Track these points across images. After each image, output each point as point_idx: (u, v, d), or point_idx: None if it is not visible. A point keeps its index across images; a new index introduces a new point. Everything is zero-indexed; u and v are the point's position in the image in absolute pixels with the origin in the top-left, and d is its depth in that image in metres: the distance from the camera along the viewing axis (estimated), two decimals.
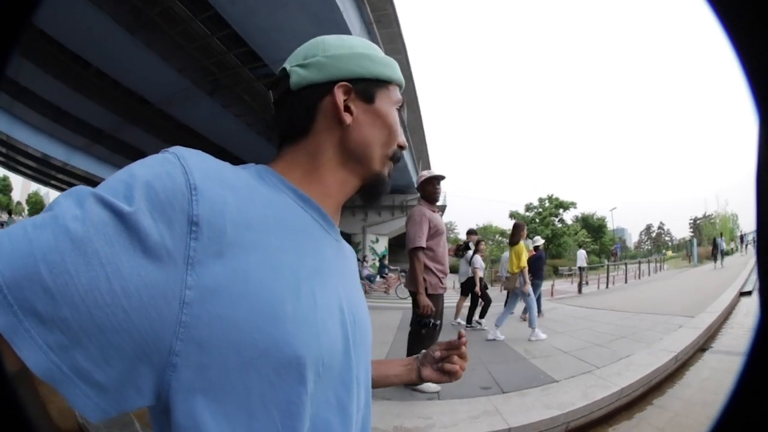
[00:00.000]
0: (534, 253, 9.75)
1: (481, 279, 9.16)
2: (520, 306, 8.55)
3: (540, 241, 9.53)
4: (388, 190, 0.79)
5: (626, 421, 4.25)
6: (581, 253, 13.62)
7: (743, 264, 18.05)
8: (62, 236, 0.45)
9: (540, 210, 47.64)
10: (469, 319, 9.25)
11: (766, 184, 0.39)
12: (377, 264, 31.36)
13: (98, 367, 0.46)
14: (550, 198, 47.76)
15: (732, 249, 27.14)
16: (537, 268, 9.22)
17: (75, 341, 0.45)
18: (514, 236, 7.97)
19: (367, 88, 0.73)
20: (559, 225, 46.93)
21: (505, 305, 8.29)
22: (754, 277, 12.18)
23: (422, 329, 4.28)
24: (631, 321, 8.89)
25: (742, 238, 34.55)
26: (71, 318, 0.44)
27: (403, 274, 19.93)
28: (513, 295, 8.04)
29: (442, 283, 4.53)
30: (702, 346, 6.53)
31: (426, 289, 4.38)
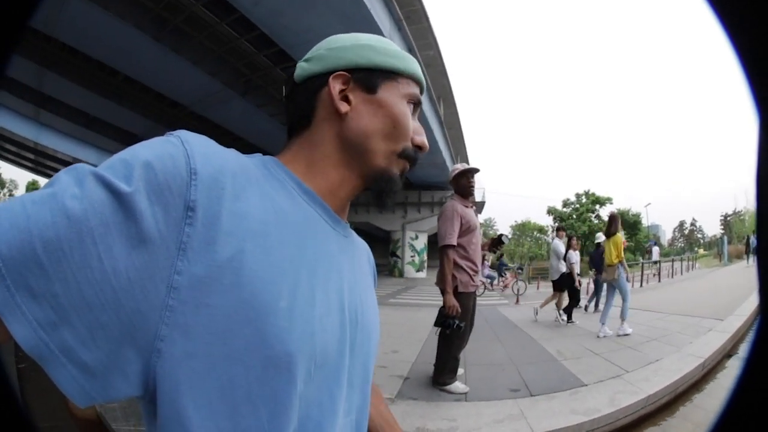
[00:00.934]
0: (597, 248, 10.04)
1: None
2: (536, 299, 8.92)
3: (602, 237, 9.41)
4: (397, 188, 0.76)
5: (651, 428, 4.22)
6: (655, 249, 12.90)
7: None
8: (59, 214, 0.45)
9: (577, 206, 46.98)
10: (569, 316, 9.40)
11: (766, 184, 0.40)
12: (416, 261, 31.23)
13: (85, 347, 0.47)
14: (586, 194, 47.10)
15: (754, 248, 25.87)
16: (600, 263, 9.38)
17: (64, 318, 0.45)
18: (611, 227, 8.15)
19: (368, 77, 0.72)
20: (596, 221, 45.98)
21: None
22: None
23: (446, 330, 4.27)
24: (662, 322, 8.75)
25: None
26: (62, 294, 0.45)
27: (519, 271, 20.47)
28: (611, 287, 8.21)
29: (473, 280, 4.46)
30: (729, 351, 6.45)
31: (456, 287, 4.33)
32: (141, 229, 0.49)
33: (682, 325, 8.16)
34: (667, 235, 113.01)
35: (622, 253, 7.81)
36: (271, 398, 0.55)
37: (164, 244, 0.50)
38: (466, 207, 4.49)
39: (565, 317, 9.39)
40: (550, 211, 49.29)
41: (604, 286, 9.08)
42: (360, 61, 0.73)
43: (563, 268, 9.64)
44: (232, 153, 0.63)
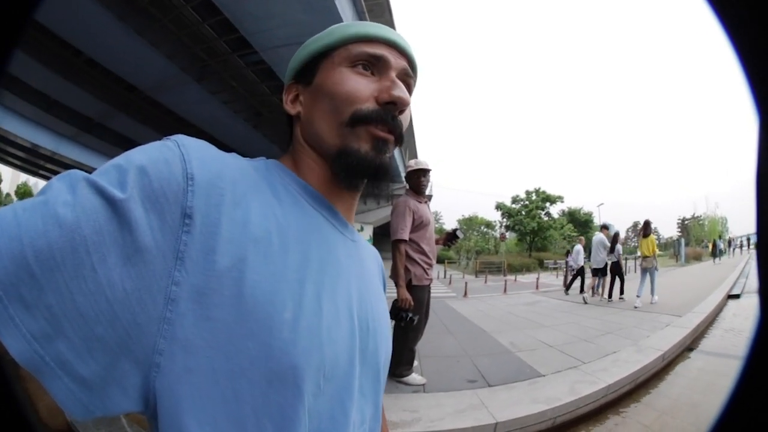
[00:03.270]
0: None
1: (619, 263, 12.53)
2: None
3: (599, 236, 12.67)
4: (370, 161, 0.68)
5: (614, 416, 4.38)
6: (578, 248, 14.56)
7: (732, 266, 20.91)
8: (51, 222, 0.45)
9: (527, 203, 48.53)
10: (610, 294, 12.30)
11: (766, 185, 0.40)
12: None
13: (81, 359, 0.46)
14: (537, 191, 48.81)
15: (720, 251, 31.38)
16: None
17: (58, 330, 0.44)
18: (646, 230, 11.59)
19: (304, 73, 0.74)
20: (546, 218, 47.89)
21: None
22: (743, 280, 13.63)
23: (400, 323, 4.31)
24: (617, 317, 9.15)
25: (730, 242, 39.93)
26: (55, 304, 0.44)
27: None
28: (644, 272, 11.22)
29: (427, 274, 4.54)
30: (689, 345, 6.75)
31: (410, 280, 4.40)
32: (136, 238, 0.48)
33: (637, 320, 8.59)
34: (620, 234, 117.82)
35: (655, 248, 11.08)
36: (277, 414, 0.53)
37: (161, 253, 0.49)
38: (420, 202, 4.58)
39: (591, 295, 12.52)
40: (499, 206, 50.53)
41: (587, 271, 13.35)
42: (298, 65, 0.76)
43: (605, 258, 12.46)
44: (232, 157, 0.62)
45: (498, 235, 46.08)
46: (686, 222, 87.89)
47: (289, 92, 0.76)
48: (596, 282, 12.87)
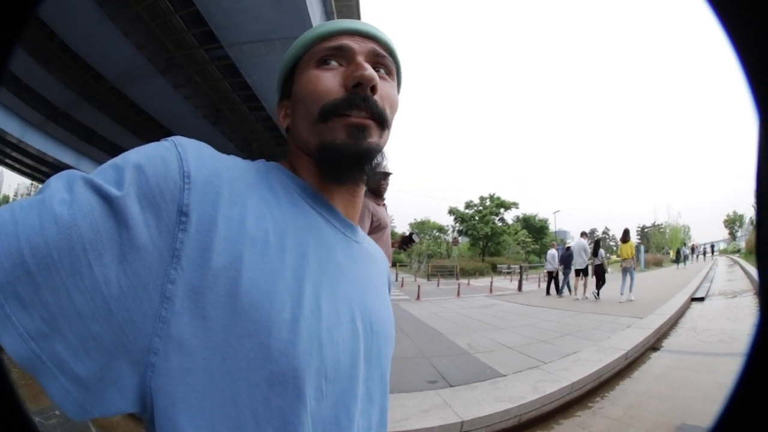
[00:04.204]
0: (566, 251, 15.82)
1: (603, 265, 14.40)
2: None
3: (571, 242, 14.81)
4: (347, 151, 0.65)
5: (583, 411, 4.48)
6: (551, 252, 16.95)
7: (695, 271, 22.97)
8: (48, 220, 0.45)
9: (480, 208, 49.57)
10: (597, 294, 13.58)
11: (766, 185, 0.40)
12: None
13: (78, 359, 0.45)
14: (491, 197, 49.95)
15: (684, 257, 35.15)
16: (568, 261, 15.03)
17: (55, 328, 0.44)
18: (625, 236, 13.77)
19: (286, 86, 0.76)
20: (500, 224, 49.04)
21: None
22: (707, 284, 15.03)
23: None
24: (574, 319, 9.38)
25: (693, 248, 44.22)
26: (52, 303, 0.44)
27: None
28: (624, 272, 12.77)
29: None
30: (653, 345, 6.95)
31: None
32: (132, 235, 0.48)
33: (596, 322, 8.84)
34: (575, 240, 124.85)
35: (633, 252, 13.30)
36: (278, 417, 0.52)
37: (157, 251, 0.49)
38: (378, 205, 4.58)
39: (586, 294, 13.89)
40: (452, 211, 51.41)
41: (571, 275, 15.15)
42: (280, 82, 0.78)
43: (586, 261, 14.17)
44: (229, 158, 0.62)
45: (450, 240, 46.61)
46: (646, 230, 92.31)
47: (280, 109, 0.78)
48: (578, 282, 14.38)
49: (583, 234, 15.64)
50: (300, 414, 0.52)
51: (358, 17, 23.39)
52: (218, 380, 0.49)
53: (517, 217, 56.54)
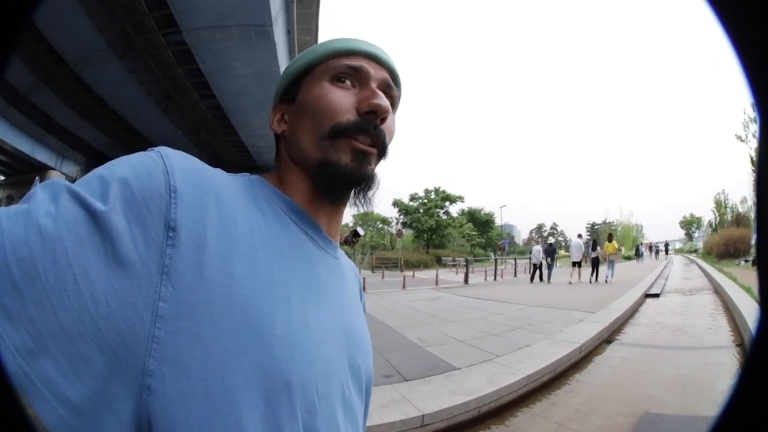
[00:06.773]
0: (549, 246, 21.36)
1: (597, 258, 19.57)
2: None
3: (552, 240, 18.24)
4: (349, 174, 0.68)
5: (542, 401, 4.64)
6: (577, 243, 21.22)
7: (650, 268, 25.21)
8: (33, 232, 0.44)
9: (425, 201, 50.11)
10: (591, 280, 18.30)
11: (767, 185, 0.40)
12: None
13: (68, 381, 0.44)
14: (436, 190, 50.62)
15: (631, 255, 39.42)
16: (552, 254, 20.85)
17: (42, 346, 0.43)
18: (610, 238, 20.15)
19: (288, 91, 0.77)
20: (445, 217, 49.68)
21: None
22: (662, 281, 16.85)
23: None
24: (525, 313, 9.64)
25: (651, 246, 50.70)
26: (37, 318, 0.43)
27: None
28: (609, 263, 18.66)
29: None
30: (607, 338, 7.26)
31: None
32: (118, 251, 0.47)
33: (548, 316, 9.11)
34: (522, 235, 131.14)
35: (616, 248, 19.38)
36: None
37: (145, 267, 0.48)
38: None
39: (581, 279, 18.54)
40: (396, 203, 51.69)
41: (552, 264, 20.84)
42: (284, 85, 0.78)
43: (581, 256, 19.93)
44: (216, 172, 0.62)
45: (395, 231, 46.77)
46: (596, 227, 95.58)
47: (275, 112, 0.79)
48: (573, 270, 19.32)
49: (579, 236, 22.26)
50: (295, 430, 0.54)
51: (316, 8, 24.16)
52: (219, 403, 0.49)
53: (463, 211, 57.46)
